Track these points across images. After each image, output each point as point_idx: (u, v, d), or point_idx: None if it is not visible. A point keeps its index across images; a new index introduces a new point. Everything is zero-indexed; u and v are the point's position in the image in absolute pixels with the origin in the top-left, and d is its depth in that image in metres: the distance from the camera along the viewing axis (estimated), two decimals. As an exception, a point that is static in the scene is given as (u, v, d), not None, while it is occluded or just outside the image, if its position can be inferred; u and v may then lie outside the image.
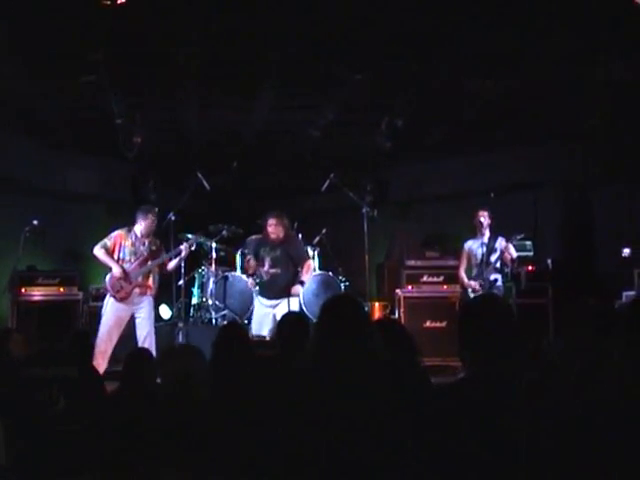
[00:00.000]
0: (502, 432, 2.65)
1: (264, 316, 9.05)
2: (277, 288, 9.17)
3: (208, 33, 7.25)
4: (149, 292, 8.49)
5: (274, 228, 9.06)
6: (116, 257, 8.35)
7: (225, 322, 10.17)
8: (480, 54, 7.82)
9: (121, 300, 8.27)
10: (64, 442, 4.30)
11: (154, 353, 6.68)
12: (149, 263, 8.43)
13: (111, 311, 8.28)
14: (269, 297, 9.17)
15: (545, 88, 8.86)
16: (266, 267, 9.11)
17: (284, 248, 9.18)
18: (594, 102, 9.22)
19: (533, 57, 7.90)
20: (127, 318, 8.33)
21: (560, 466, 2.62)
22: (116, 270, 8.24)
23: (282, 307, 9.04)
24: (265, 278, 9.13)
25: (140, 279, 8.36)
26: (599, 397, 2.84)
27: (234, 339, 5.08)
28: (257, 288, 9.34)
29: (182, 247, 8.57)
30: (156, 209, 8.69)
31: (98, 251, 8.34)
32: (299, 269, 9.35)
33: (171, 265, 8.65)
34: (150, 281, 8.51)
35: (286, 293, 9.18)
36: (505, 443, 2.64)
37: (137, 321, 8.37)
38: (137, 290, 8.34)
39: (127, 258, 8.37)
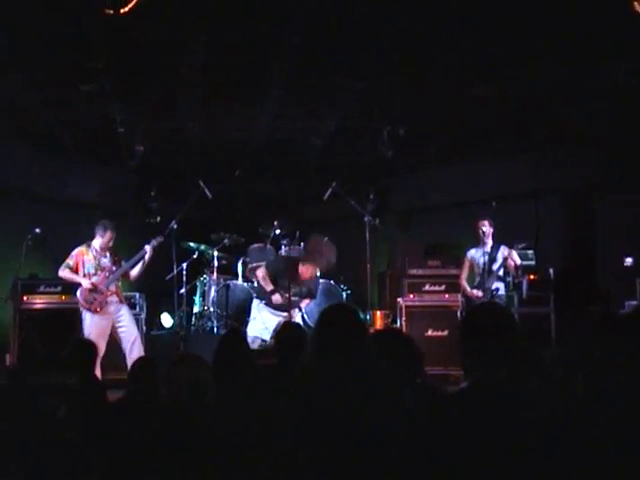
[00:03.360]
0: (505, 441, 2.65)
1: (270, 320, 9.09)
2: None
3: (210, 42, 7.25)
4: (122, 300, 8.70)
5: (307, 270, 9.38)
6: (82, 273, 8.58)
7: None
8: (481, 61, 7.82)
9: (97, 312, 8.45)
10: (65, 450, 4.29)
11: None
12: (115, 273, 8.62)
13: (91, 325, 8.44)
14: (281, 310, 9.31)
15: (547, 95, 8.86)
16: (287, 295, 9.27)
17: (307, 284, 9.52)
18: (597, 110, 9.23)
19: (535, 64, 7.90)
20: (109, 328, 8.50)
21: (564, 476, 2.62)
22: (85, 283, 8.49)
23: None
24: (283, 302, 9.30)
25: (111, 288, 8.54)
26: (604, 406, 2.83)
27: (235, 347, 5.08)
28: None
29: (146, 248, 8.67)
30: (113, 223, 8.79)
31: (62, 272, 8.64)
32: None
33: (135, 271, 8.80)
34: (119, 289, 8.74)
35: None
36: (508, 453, 2.63)
37: (120, 331, 8.54)
38: (111, 299, 8.52)
39: (92, 272, 8.59)
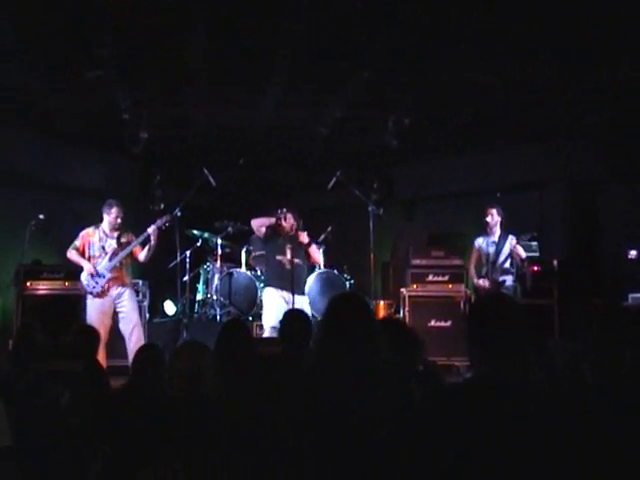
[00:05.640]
0: (511, 433, 2.64)
1: (280, 308, 8.28)
2: (301, 282, 8.83)
3: (216, 29, 7.24)
4: (125, 284, 8.50)
5: (289, 221, 8.70)
6: (87, 255, 8.45)
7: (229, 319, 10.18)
8: (486, 51, 7.80)
9: (98, 296, 8.35)
10: (68, 437, 4.29)
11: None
12: (118, 255, 8.44)
13: (91, 309, 8.34)
14: (289, 290, 8.51)
15: (552, 85, 8.83)
16: (289, 255, 8.62)
17: (297, 241, 8.81)
18: (601, 100, 9.20)
19: (541, 54, 7.88)
20: (110, 314, 8.37)
21: (571, 468, 2.61)
22: (86, 267, 8.36)
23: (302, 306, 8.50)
24: (288, 267, 8.59)
25: (112, 273, 8.38)
26: (610, 398, 2.82)
27: (236, 336, 5.06)
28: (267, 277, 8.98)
29: (149, 231, 8.50)
30: (118, 202, 8.63)
31: (69, 253, 8.50)
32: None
33: (142, 254, 8.58)
34: (124, 273, 8.53)
35: (304, 289, 8.99)
36: (514, 444, 2.63)
37: (120, 316, 8.41)
38: (112, 284, 8.37)
39: (96, 254, 8.45)
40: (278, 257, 8.69)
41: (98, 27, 7.05)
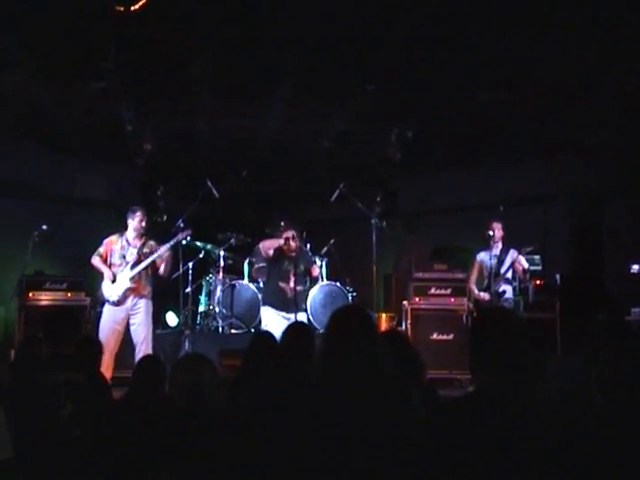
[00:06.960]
0: (511, 448, 2.63)
1: (280, 325, 8.23)
2: (299, 304, 8.78)
3: (220, 41, 7.25)
4: (142, 294, 8.39)
5: (295, 241, 8.68)
6: (108, 262, 8.39)
7: (232, 330, 10.21)
8: (492, 66, 7.81)
9: (115, 304, 8.27)
10: (70, 447, 4.28)
11: None
12: (139, 265, 8.35)
13: (106, 316, 8.30)
14: (289, 311, 8.58)
15: (556, 100, 8.84)
16: (292, 284, 8.61)
17: (301, 261, 8.84)
18: (606, 116, 9.21)
19: (544, 69, 7.89)
20: (124, 323, 8.30)
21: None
22: (107, 274, 8.30)
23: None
24: (290, 295, 8.61)
25: (131, 282, 8.29)
26: (614, 414, 2.82)
27: (267, 348, 5.02)
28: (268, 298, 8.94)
29: (171, 243, 8.48)
30: (142, 209, 8.57)
31: (93, 260, 8.44)
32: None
33: (161, 269, 8.48)
34: (143, 284, 8.41)
35: (304, 308, 9.04)
36: (516, 457, 2.62)
37: (132, 328, 8.33)
38: (129, 293, 8.30)
39: (117, 262, 8.38)
40: (281, 284, 8.66)
41: (103, 39, 7.07)
